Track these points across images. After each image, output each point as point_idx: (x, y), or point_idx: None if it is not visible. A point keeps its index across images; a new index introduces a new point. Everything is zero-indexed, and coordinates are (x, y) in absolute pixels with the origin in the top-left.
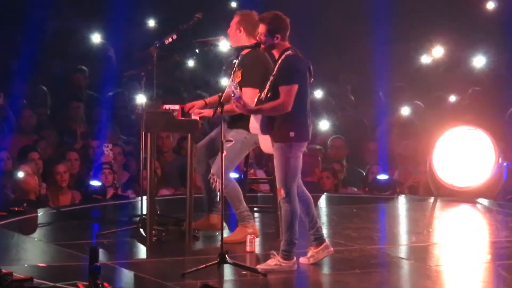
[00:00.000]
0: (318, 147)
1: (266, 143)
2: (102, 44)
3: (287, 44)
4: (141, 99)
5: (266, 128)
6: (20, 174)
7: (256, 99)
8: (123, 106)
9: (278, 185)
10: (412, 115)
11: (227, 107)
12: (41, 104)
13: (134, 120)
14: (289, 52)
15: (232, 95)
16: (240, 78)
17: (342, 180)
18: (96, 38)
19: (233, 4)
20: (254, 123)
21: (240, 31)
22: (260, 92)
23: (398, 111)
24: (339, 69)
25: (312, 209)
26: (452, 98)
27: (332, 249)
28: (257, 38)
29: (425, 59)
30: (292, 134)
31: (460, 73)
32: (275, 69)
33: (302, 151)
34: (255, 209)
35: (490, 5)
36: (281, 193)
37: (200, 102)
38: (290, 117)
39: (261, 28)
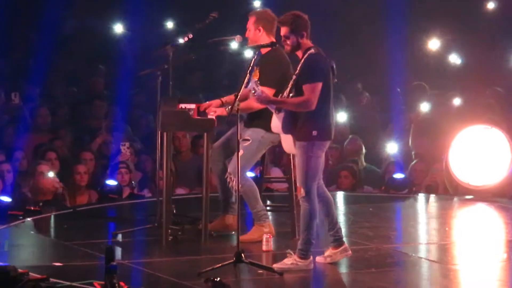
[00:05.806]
0: (333, 145)
1: (288, 143)
2: (119, 42)
3: (309, 43)
4: None
5: (288, 127)
6: (38, 174)
7: None
8: (139, 105)
9: (298, 184)
10: (430, 113)
11: (243, 105)
12: (57, 103)
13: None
14: (312, 50)
15: (252, 91)
16: (258, 77)
17: (359, 179)
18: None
19: (256, 4)
20: (276, 122)
21: (259, 31)
22: (282, 91)
23: (416, 109)
24: (357, 68)
25: (332, 209)
26: (469, 98)
27: (350, 252)
28: (282, 42)
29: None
30: (314, 132)
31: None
32: (298, 68)
33: (324, 151)
34: (270, 208)
35: None
36: (301, 192)
37: (216, 102)
38: (313, 115)
39: (284, 31)
